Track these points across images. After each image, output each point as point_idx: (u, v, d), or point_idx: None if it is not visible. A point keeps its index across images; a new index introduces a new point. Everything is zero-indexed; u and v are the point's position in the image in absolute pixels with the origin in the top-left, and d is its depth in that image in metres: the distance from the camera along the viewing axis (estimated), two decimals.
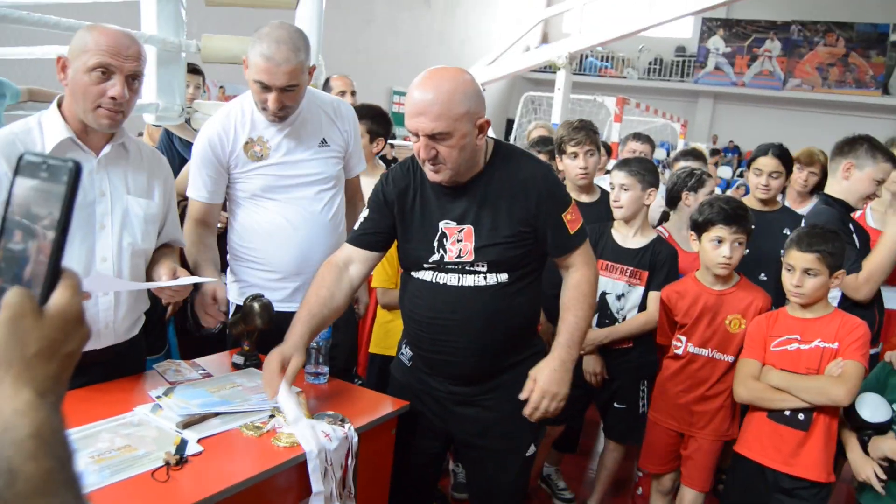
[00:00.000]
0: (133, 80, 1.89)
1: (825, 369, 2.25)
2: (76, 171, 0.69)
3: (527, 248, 2.00)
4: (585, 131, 3.11)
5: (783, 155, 3.22)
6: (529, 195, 1.98)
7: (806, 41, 19.27)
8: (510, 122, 13.39)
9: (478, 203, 1.98)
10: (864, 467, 2.28)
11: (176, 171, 3.68)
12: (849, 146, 2.82)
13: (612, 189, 2.91)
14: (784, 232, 3.07)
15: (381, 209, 2.08)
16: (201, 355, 2.34)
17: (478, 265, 1.98)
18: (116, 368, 2.04)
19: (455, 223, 1.99)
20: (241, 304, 2.39)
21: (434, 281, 2.02)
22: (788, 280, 2.31)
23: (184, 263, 2.67)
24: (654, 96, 17.92)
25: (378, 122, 3.42)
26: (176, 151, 4.32)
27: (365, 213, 2.12)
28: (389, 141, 4.02)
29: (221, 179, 2.43)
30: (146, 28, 3.80)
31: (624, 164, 2.94)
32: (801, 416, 2.28)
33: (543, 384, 1.98)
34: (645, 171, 2.87)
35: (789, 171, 3.29)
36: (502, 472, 2.15)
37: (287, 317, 2.31)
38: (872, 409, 2.26)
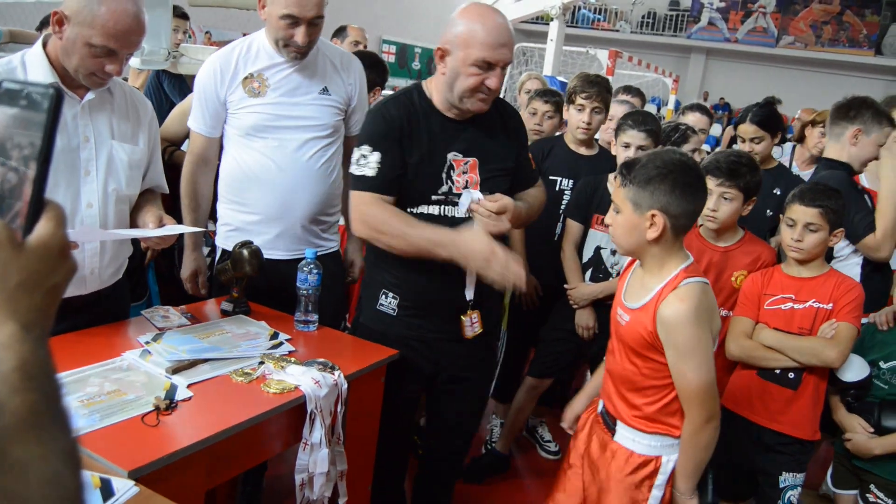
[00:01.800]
0: (128, 56, 1.89)
1: (818, 330, 2.25)
2: (57, 98, 0.67)
3: (510, 181, 2.17)
4: (599, 87, 3.06)
5: (762, 121, 3.17)
6: (518, 134, 2.20)
7: None
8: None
9: (481, 140, 2.09)
10: (852, 424, 2.32)
11: (165, 113, 3.65)
12: (855, 111, 2.77)
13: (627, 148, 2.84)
14: (774, 192, 3.06)
15: (395, 145, 2.03)
16: (182, 302, 2.33)
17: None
18: (101, 313, 2.04)
19: (461, 155, 2.07)
20: (227, 249, 2.39)
21: (443, 214, 2.06)
22: (789, 235, 2.29)
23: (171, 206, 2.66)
24: (647, 50, 17.74)
25: (376, 70, 3.36)
26: (164, 95, 4.26)
27: (375, 155, 2.02)
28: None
29: (220, 113, 2.42)
30: None
31: (636, 123, 2.88)
32: (791, 375, 2.29)
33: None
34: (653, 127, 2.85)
35: (775, 131, 3.25)
36: (478, 399, 2.36)
37: (269, 264, 2.31)
38: (853, 369, 2.29)
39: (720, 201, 2.44)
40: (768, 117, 3.21)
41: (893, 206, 2.59)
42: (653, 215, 1.76)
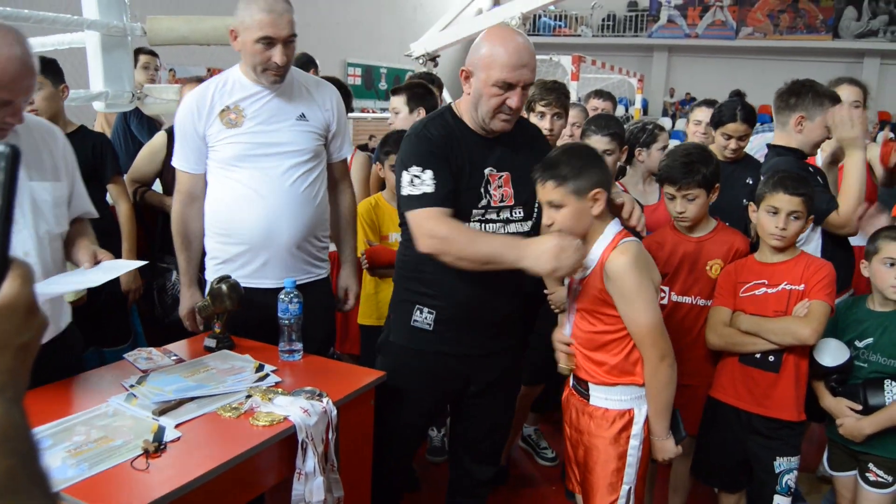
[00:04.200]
0: (27, 101, 1.76)
1: (792, 310, 2.28)
2: (14, 156, 0.67)
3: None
4: (557, 94, 3.11)
5: (748, 117, 3.20)
6: (542, 149, 2.21)
7: None
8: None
9: (510, 155, 2.16)
10: (839, 408, 2.34)
11: (132, 154, 3.63)
12: (795, 98, 2.78)
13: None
14: (747, 182, 3.09)
15: (443, 162, 2.08)
16: (170, 341, 2.32)
17: (516, 212, 2.16)
18: (52, 365, 1.88)
19: (496, 170, 2.14)
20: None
21: (484, 230, 2.13)
22: (771, 223, 2.31)
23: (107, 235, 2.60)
24: (610, 53, 17.91)
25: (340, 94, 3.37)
26: (132, 135, 4.24)
27: (427, 173, 2.05)
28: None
29: (201, 148, 2.42)
30: (88, 13, 3.70)
31: (599, 128, 2.97)
32: (771, 359, 2.31)
33: (629, 199, 2.09)
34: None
35: (754, 126, 3.30)
36: (507, 409, 2.42)
37: (257, 293, 2.32)
38: (832, 354, 2.31)
39: (685, 203, 2.47)
40: (752, 113, 3.25)
41: (858, 183, 2.61)
42: (596, 194, 1.95)
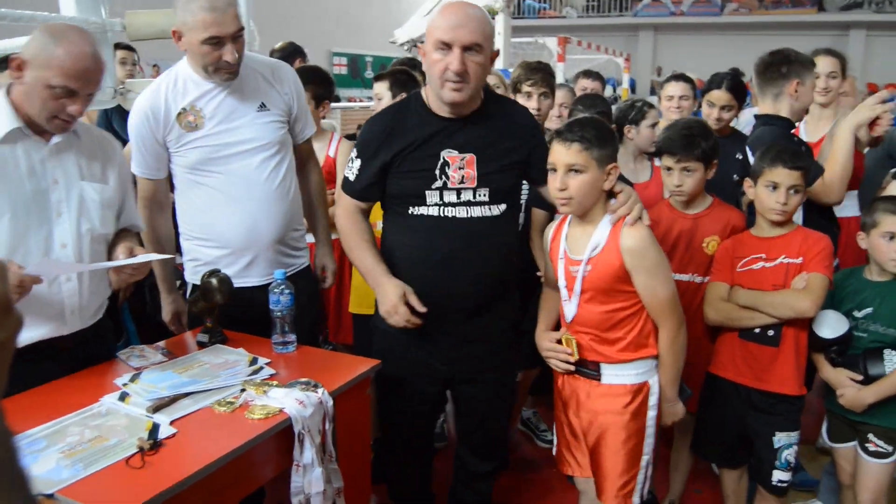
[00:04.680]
0: (90, 97, 1.89)
1: (791, 284, 2.27)
2: None
3: (518, 177, 2.23)
4: (542, 73, 3.12)
5: (736, 87, 3.22)
6: (527, 142, 2.21)
7: None
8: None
9: (478, 135, 2.13)
10: (839, 379, 2.34)
11: None
12: (787, 66, 2.80)
13: None
14: (737, 157, 3.08)
15: (372, 157, 2.16)
16: (162, 338, 2.30)
17: (480, 194, 2.12)
18: (85, 354, 2.03)
19: (457, 151, 2.12)
20: (198, 282, 2.35)
21: (442, 215, 2.12)
22: (772, 198, 2.29)
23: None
24: (595, 33, 17.84)
25: (323, 85, 3.33)
26: (114, 132, 4.20)
27: (357, 162, 2.19)
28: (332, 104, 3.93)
29: (161, 154, 2.36)
30: (65, 10, 3.65)
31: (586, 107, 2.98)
32: (770, 333, 2.30)
33: (626, 190, 2.06)
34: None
35: (742, 102, 3.30)
36: (496, 398, 2.38)
37: (244, 292, 2.30)
38: (831, 326, 2.31)
39: (683, 175, 2.46)
40: (740, 85, 3.27)
41: (845, 154, 2.64)
42: (612, 167, 2.00)
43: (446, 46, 2.00)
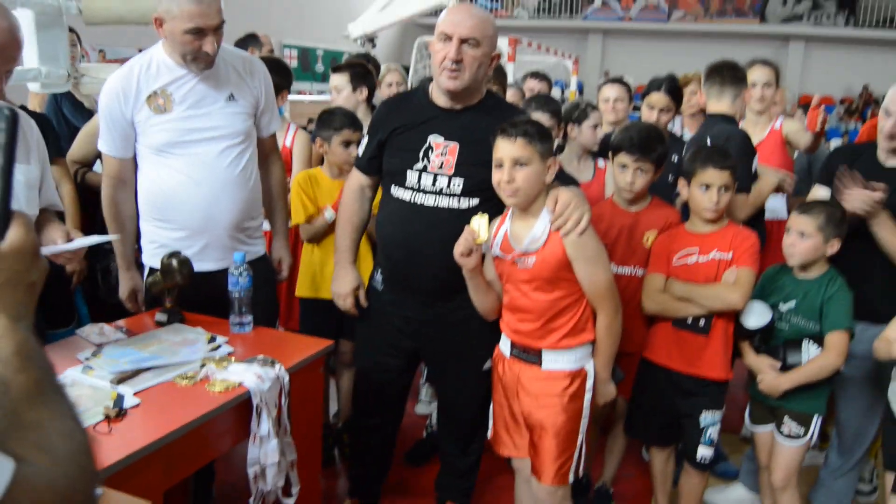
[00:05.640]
0: (8, 74, 1.81)
1: (721, 277, 2.44)
2: (13, 119, 0.74)
3: None
4: (495, 73, 3.35)
5: (673, 90, 3.41)
6: None
7: None
8: (406, 69, 13.33)
9: (468, 129, 2.28)
10: (760, 365, 2.52)
11: (66, 138, 3.60)
12: (742, 72, 3.08)
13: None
14: (672, 159, 3.26)
15: (374, 134, 2.40)
16: (112, 320, 2.33)
17: (454, 183, 2.25)
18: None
19: (443, 138, 2.28)
20: (155, 265, 2.41)
21: (412, 201, 2.29)
22: (706, 198, 2.45)
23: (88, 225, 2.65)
24: (546, 35, 18.08)
25: (281, 74, 3.40)
26: (65, 118, 4.18)
27: (365, 139, 2.45)
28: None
29: (129, 133, 2.40)
30: None
31: (540, 105, 3.11)
32: (701, 323, 2.48)
33: (565, 195, 2.14)
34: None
35: (678, 104, 3.49)
36: (464, 384, 2.50)
37: (198, 276, 2.34)
38: (756, 316, 2.49)
39: (636, 174, 2.58)
40: (677, 90, 3.46)
41: (768, 190, 2.98)
42: (553, 161, 2.13)
43: (447, 38, 2.20)
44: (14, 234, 0.72)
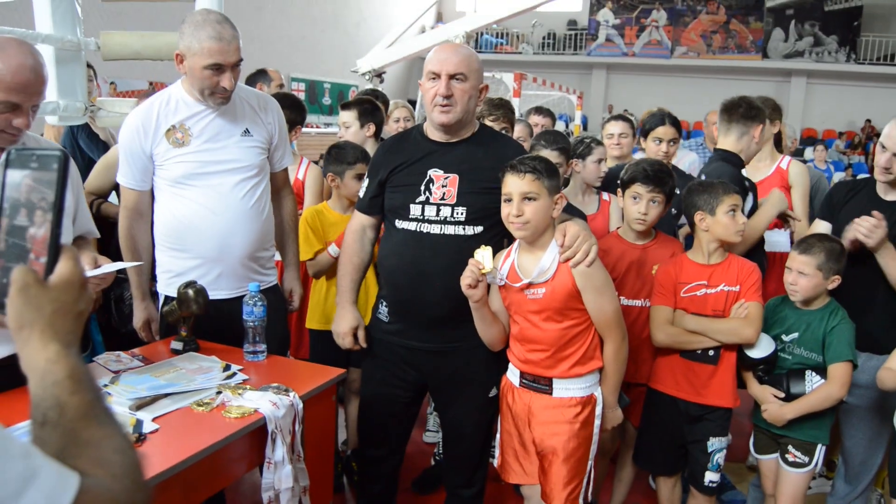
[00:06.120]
0: (34, 108, 1.89)
1: (730, 310, 2.50)
2: (65, 159, 0.81)
3: (500, 202, 2.29)
4: (504, 109, 3.44)
5: (676, 122, 3.51)
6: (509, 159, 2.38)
7: (689, 10, 20.12)
8: (412, 104, 13.49)
9: (466, 160, 2.36)
10: (765, 395, 2.56)
11: (81, 169, 3.67)
12: (756, 111, 3.12)
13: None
14: (676, 192, 3.33)
15: (374, 175, 2.48)
16: (127, 349, 2.37)
17: (457, 212, 2.32)
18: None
19: (442, 171, 2.35)
20: (170, 293, 2.47)
21: (418, 230, 2.34)
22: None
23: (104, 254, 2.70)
24: (550, 70, 18.34)
25: (294, 110, 3.48)
26: (80, 150, 4.27)
27: (366, 181, 2.53)
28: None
29: (147, 166, 2.48)
30: (41, 27, 3.74)
31: (549, 142, 3.17)
32: (710, 353, 2.54)
33: (573, 229, 2.21)
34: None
35: (680, 137, 3.57)
36: (470, 412, 2.51)
37: (214, 304, 2.41)
38: (760, 347, 2.54)
39: (650, 205, 2.64)
40: (677, 122, 3.54)
41: (763, 224, 3.03)
42: (559, 197, 2.21)
43: (436, 76, 2.30)
44: (63, 267, 0.78)
